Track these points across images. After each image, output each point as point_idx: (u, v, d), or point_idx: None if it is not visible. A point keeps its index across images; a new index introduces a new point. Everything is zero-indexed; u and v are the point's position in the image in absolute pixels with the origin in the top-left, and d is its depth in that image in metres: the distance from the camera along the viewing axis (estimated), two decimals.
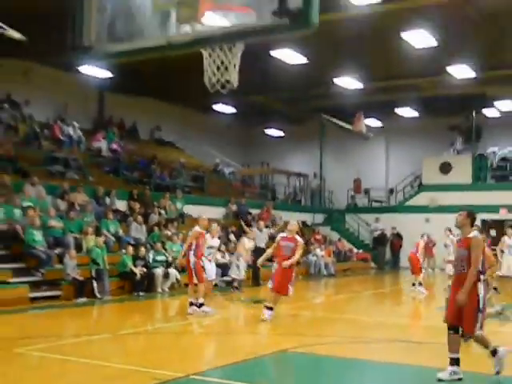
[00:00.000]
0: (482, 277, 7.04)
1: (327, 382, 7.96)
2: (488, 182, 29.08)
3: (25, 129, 21.25)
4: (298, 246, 11.83)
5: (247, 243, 18.03)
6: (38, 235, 15.40)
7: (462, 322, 6.98)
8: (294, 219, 15.10)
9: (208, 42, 4.92)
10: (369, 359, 8.99)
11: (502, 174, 28.96)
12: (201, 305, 12.33)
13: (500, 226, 27.96)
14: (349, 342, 10.26)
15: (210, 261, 13.32)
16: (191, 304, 12.44)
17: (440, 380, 6.96)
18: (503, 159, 29.09)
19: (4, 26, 9.39)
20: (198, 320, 12.84)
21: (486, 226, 27.47)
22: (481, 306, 6.98)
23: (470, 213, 7.41)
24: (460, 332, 7.03)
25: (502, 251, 16.14)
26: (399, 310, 16.70)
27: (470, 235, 7.14)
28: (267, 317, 11.53)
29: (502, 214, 27.66)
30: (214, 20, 4.81)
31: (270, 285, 11.80)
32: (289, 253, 11.69)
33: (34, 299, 14.06)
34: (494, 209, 27.33)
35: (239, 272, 17.62)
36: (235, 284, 17.78)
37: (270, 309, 11.59)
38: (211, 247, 13.51)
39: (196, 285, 12.50)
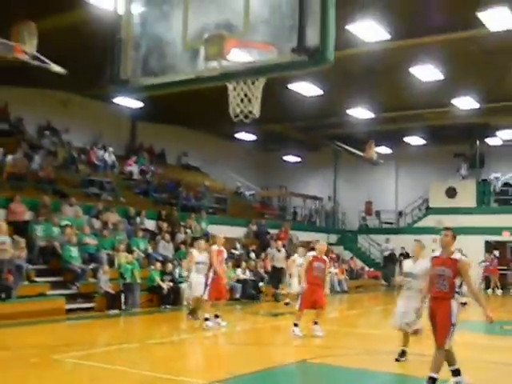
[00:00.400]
0: (456, 295, 7.00)
1: None
2: (491, 205, 28.87)
3: (64, 154, 21.50)
4: (327, 266, 11.77)
5: (298, 259, 17.15)
6: (75, 251, 15.54)
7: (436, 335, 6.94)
8: (321, 241, 14.81)
9: (233, 76, 4.98)
10: (379, 370, 8.95)
11: (504, 198, 28.73)
12: (206, 319, 12.22)
13: (503, 247, 27.76)
14: (361, 354, 10.21)
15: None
16: (206, 319, 12.30)
17: None
18: (506, 184, 28.89)
19: (46, 61, 9.54)
20: (220, 332, 12.84)
21: (490, 247, 27.30)
22: (453, 321, 6.89)
23: (455, 234, 7.16)
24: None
25: None
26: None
27: (456, 257, 7.00)
28: (297, 333, 11.40)
29: (505, 236, 27.41)
30: (238, 56, 4.87)
31: (298, 306, 11.66)
32: (320, 273, 11.54)
33: (69, 310, 14.15)
34: (497, 231, 27.11)
35: (290, 287, 17.28)
36: (287, 300, 17.37)
37: (296, 325, 11.50)
38: (199, 263, 13.16)
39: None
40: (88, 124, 23.85)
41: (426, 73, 18.16)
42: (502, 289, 25.97)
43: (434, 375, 6.66)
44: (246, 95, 5.16)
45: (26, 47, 9.31)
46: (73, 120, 23.17)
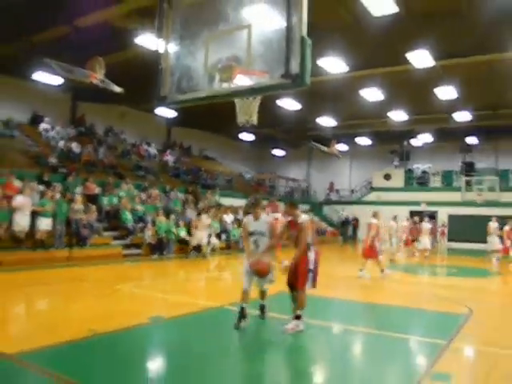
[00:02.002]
0: (311, 247, 6.13)
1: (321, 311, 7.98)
2: (414, 186, 28.94)
3: (121, 147, 21.39)
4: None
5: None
6: (129, 215, 15.54)
7: (297, 281, 5.98)
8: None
9: (239, 94, 4.98)
10: (337, 297, 9.02)
11: (422, 181, 28.83)
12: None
13: (421, 215, 27.84)
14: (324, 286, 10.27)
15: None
16: None
17: (286, 331, 5.76)
18: (423, 172, 28.99)
19: (111, 84, 9.47)
20: (231, 270, 12.88)
21: (413, 214, 27.40)
22: (311, 267, 6.10)
23: (293, 203, 6.13)
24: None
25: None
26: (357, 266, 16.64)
27: (300, 220, 6.02)
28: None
29: (423, 207, 27.54)
30: (243, 80, 4.87)
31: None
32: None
33: (125, 255, 14.22)
34: (417, 204, 27.27)
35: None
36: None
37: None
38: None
39: None
40: (138, 128, 23.71)
41: (372, 94, 18.05)
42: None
43: (299, 312, 5.95)
44: (248, 107, 5.17)
45: (98, 75, 9.25)
46: (127, 125, 23.04)
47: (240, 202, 24.35)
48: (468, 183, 25.06)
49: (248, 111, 5.12)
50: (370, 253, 11.49)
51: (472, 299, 8.81)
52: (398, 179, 29.01)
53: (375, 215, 11.72)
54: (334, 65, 14.56)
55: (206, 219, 16.28)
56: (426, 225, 17.70)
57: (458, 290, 10.41)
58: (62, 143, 18.08)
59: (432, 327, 6.82)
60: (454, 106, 19.37)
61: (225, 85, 4.84)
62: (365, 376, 4.57)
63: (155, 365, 4.81)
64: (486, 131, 23.95)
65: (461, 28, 12.28)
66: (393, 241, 16.97)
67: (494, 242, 16.02)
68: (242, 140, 29.59)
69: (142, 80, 8.36)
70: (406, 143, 28.67)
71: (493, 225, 16.44)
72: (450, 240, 25.92)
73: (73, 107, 21.37)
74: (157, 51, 5.32)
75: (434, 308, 8.13)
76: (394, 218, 16.51)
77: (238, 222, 20.36)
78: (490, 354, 5.37)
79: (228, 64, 4.82)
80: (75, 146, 18.20)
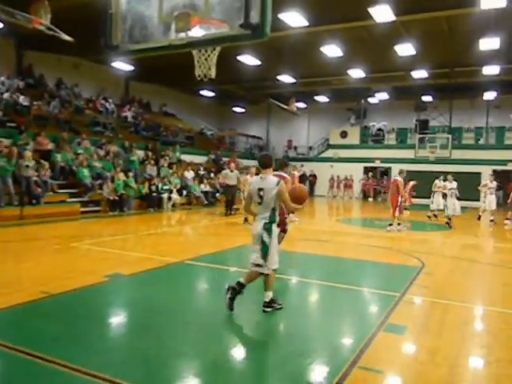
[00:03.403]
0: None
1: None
2: (369, 143, 29.32)
3: (75, 102, 20.20)
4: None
5: (249, 179, 14.11)
6: (86, 172, 14.91)
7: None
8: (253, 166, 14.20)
9: (196, 45, 4.60)
10: (297, 251, 9.04)
11: (377, 139, 29.24)
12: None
13: (375, 171, 28.42)
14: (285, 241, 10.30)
15: None
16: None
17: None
18: (379, 129, 29.34)
19: (58, 31, 8.67)
20: (192, 225, 12.72)
21: (367, 170, 27.95)
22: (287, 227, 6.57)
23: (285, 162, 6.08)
24: None
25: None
26: (311, 221, 16.87)
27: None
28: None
29: (377, 164, 28.09)
30: (200, 30, 4.49)
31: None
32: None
33: (83, 212, 13.74)
34: (372, 160, 27.79)
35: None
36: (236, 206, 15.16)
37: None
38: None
39: None
40: (94, 82, 22.40)
41: (331, 51, 17.69)
42: (373, 198, 26.88)
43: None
44: (206, 59, 4.80)
45: (42, 20, 8.42)
46: (82, 78, 21.70)
47: (201, 159, 23.95)
48: (422, 141, 25.60)
49: (206, 64, 4.75)
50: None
51: (423, 252, 9.08)
52: (355, 136, 29.26)
53: (400, 173, 12.19)
54: (294, 19, 14.03)
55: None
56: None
57: (411, 243, 10.72)
58: (7, 95, 16.72)
59: (387, 279, 6.96)
60: (411, 63, 19.37)
61: (181, 34, 4.44)
62: (321, 328, 4.58)
63: (114, 324, 4.62)
64: (441, 89, 24.25)
65: None
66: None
67: (439, 202, 15.35)
68: (202, 96, 28.73)
69: (94, 28, 7.70)
70: (363, 101, 28.75)
71: (439, 183, 15.51)
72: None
73: (18, 56, 19.70)
74: None
75: (388, 260, 8.31)
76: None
77: (200, 179, 20.06)
78: (442, 305, 5.53)
79: (184, 12, 4.41)
80: (23, 99, 16.92)
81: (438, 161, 24.51)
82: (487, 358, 4.00)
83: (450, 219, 13.89)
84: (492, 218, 14.86)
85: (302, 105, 29.00)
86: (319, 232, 12.29)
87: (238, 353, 4.02)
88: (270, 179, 4.81)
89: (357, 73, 21.09)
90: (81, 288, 5.53)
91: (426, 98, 26.38)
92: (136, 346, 3.93)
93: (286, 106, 26.90)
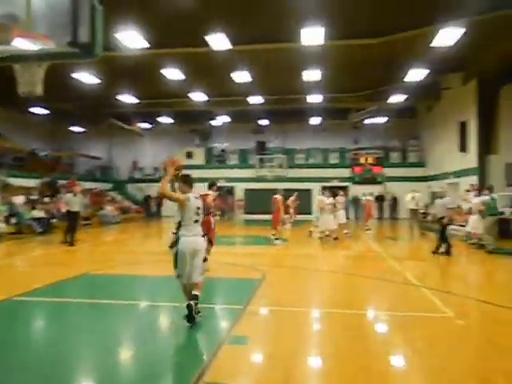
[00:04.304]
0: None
1: (122, 290, 7.59)
2: (213, 163, 30.26)
3: None
4: None
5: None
6: None
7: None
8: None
9: (19, 59, 4.24)
10: (141, 274, 8.82)
11: (221, 159, 30.37)
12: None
13: (221, 189, 29.39)
14: (129, 264, 9.93)
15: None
16: None
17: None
18: (222, 150, 30.55)
19: None
20: (23, 257, 11.37)
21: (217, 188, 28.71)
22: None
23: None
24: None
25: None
26: (160, 241, 16.63)
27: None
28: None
29: (221, 183, 29.17)
30: (24, 44, 4.14)
31: None
32: None
33: None
34: (217, 179, 28.64)
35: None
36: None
37: None
38: None
39: None
40: None
41: (173, 74, 17.89)
42: (220, 216, 27.70)
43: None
44: (31, 76, 4.44)
45: None
46: None
47: (33, 182, 21.70)
48: (261, 161, 27.61)
49: (31, 80, 4.39)
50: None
51: (265, 264, 9.67)
52: (200, 157, 29.94)
53: (279, 191, 13.98)
54: (133, 40, 13.82)
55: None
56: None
57: (254, 257, 11.32)
58: None
59: (231, 293, 7.23)
60: (248, 89, 20.72)
61: (0, 47, 4.05)
62: (166, 349, 4.53)
63: None
64: (275, 114, 26.48)
65: (254, 17, 13.07)
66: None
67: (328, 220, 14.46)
68: (34, 114, 26.19)
69: None
70: (206, 123, 29.68)
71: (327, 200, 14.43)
72: (246, 212, 28.19)
73: None
74: None
75: (232, 275, 8.64)
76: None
77: (32, 204, 18.14)
78: (280, 312, 5.95)
79: (3, 23, 4.03)
80: None
81: (276, 179, 26.63)
82: (320, 355, 4.45)
83: (327, 234, 14.32)
84: (346, 231, 15.65)
85: (146, 125, 28.60)
86: (166, 253, 12.16)
87: None
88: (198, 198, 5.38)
89: (199, 96, 21.70)
90: None
91: (263, 122, 28.49)
92: None
93: (128, 126, 26.25)
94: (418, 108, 26.73)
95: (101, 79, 18.87)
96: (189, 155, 29.85)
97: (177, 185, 5.57)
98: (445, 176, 21.94)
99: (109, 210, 23.62)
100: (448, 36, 12.91)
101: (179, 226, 5.33)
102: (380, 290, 7.57)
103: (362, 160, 27.29)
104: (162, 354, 4.42)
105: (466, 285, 8.37)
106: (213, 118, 28.36)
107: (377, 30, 14.13)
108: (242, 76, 18.23)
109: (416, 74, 16.90)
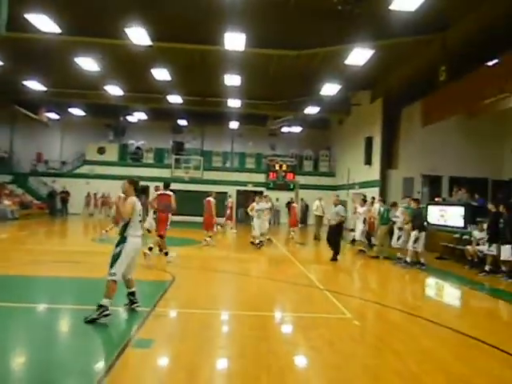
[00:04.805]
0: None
1: (18, 292, 7.00)
2: (127, 161, 29.28)
3: None
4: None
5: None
6: None
7: None
8: None
9: None
10: (40, 275, 8.27)
11: (136, 157, 29.49)
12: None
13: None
14: (27, 264, 9.23)
15: None
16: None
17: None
18: (137, 148, 29.67)
19: None
20: None
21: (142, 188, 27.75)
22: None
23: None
24: None
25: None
26: (64, 240, 15.72)
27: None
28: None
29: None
30: None
31: None
32: None
33: None
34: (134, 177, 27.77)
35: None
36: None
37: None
38: None
39: None
40: None
41: (87, 64, 16.96)
42: None
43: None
44: None
45: None
46: None
47: None
48: (177, 161, 27.30)
49: None
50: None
51: (176, 266, 9.55)
52: (113, 153, 28.76)
53: (211, 194, 13.99)
54: (44, 23, 12.87)
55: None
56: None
57: (165, 258, 11.12)
58: None
59: (140, 296, 7.03)
60: (168, 88, 20.37)
61: None
62: (67, 354, 4.31)
63: None
64: (195, 115, 26.34)
65: (178, 15, 12.91)
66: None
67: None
68: None
69: None
70: (121, 118, 28.63)
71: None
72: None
73: None
74: None
75: (143, 277, 8.42)
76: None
77: None
78: (187, 314, 5.93)
79: None
80: None
81: (192, 180, 26.49)
82: (224, 356, 4.51)
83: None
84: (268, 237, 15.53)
85: (54, 116, 26.83)
86: (71, 253, 11.52)
87: None
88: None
89: (114, 90, 20.88)
90: None
91: (182, 122, 28.17)
92: None
93: (35, 116, 24.46)
94: (331, 120, 28.20)
95: (3, 61, 17.43)
96: (101, 151, 28.55)
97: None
98: (351, 186, 23.36)
99: (6, 204, 21.75)
100: (359, 56, 13.82)
101: (125, 226, 5.61)
102: (286, 292, 7.85)
103: (277, 166, 28.09)
104: (60, 360, 4.19)
105: (359, 287, 8.99)
106: (129, 114, 27.47)
107: (295, 43, 14.70)
108: (161, 74, 17.88)
109: (330, 89, 17.81)
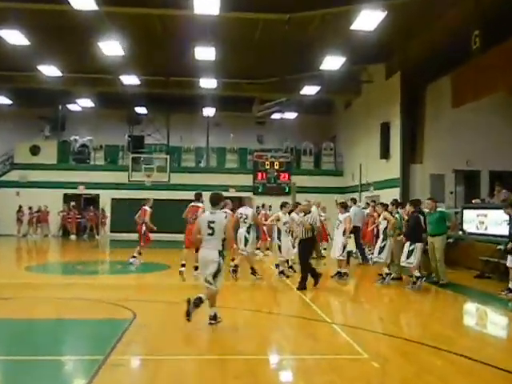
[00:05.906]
0: None
1: None
2: (70, 163, 29.17)
3: None
4: None
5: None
6: None
7: None
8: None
9: None
10: None
11: (81, 157, 29.40)
12: None
13: (79, 199, 28.34)
14: None
15: None
16: None
17: None
18: (83, 145, 29.59)
19: None
20: None
21: (68, 199, 27.62)
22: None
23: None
24: None
25: None
26: None
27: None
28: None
29: (81, 190, 28.18)
30: None
31: None
32: None
33: None
34: (74, 185, 27.73)
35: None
36: None
37: None
38: None
39: None
40: None
41: (13, 37, 16.76)
42: (77, 235, 26.68)
43: None
44: None
45: None
46: None
47: None
48: (136, 161, 27.17)
49: None
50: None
51: (138, 299, 9.56)
52: (50, 153, 28.60)
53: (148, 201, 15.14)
54: None
55: None
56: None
57: (123, 289, 11.11)
58: None
59: (90, 340, 7.05)
60: (121, 66, 20.33)
61: None
62: None
63: None
64: (157, 100, 26.33)
65: None
66: None
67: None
68: None
69: None
70: (60, 107, 28.53)
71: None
72: (113, 230, 27.50)
73: None
74: None
75: (94, 316, 8.42)
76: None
77: None
78: (152, 361, 5.95)
79: None
80: None
81: (156, 186, 26.45)
82: None
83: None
84: None
85: None
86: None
87: None
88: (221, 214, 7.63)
89: (51, 70, 20.77)
90: None
91: (141, 110, 28.16)
92: None
93: None
94: (336, 103, 28.46)
95: None
96: (35, 151, 28.38)
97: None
98: (365, 187, 23.56)
99: None
100: (369, 19, 13.96)
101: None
102: (282, 327, 7.91)
103: (267, 165, 28.15)
104: None
105: (374, 318, 9.09)
106: (70, 102, 27.38)
107: (285, 3, 14.80)
108: (112, 47, 17.82)
109: (333, 62, 17.94)
